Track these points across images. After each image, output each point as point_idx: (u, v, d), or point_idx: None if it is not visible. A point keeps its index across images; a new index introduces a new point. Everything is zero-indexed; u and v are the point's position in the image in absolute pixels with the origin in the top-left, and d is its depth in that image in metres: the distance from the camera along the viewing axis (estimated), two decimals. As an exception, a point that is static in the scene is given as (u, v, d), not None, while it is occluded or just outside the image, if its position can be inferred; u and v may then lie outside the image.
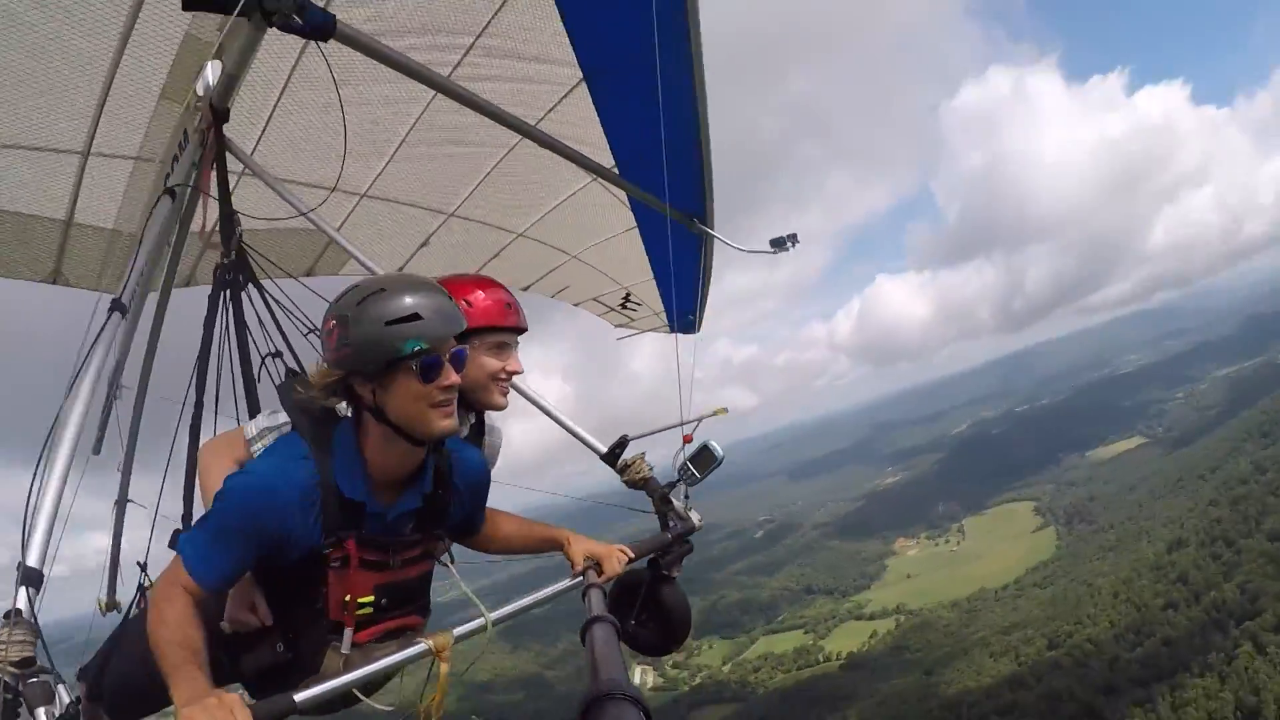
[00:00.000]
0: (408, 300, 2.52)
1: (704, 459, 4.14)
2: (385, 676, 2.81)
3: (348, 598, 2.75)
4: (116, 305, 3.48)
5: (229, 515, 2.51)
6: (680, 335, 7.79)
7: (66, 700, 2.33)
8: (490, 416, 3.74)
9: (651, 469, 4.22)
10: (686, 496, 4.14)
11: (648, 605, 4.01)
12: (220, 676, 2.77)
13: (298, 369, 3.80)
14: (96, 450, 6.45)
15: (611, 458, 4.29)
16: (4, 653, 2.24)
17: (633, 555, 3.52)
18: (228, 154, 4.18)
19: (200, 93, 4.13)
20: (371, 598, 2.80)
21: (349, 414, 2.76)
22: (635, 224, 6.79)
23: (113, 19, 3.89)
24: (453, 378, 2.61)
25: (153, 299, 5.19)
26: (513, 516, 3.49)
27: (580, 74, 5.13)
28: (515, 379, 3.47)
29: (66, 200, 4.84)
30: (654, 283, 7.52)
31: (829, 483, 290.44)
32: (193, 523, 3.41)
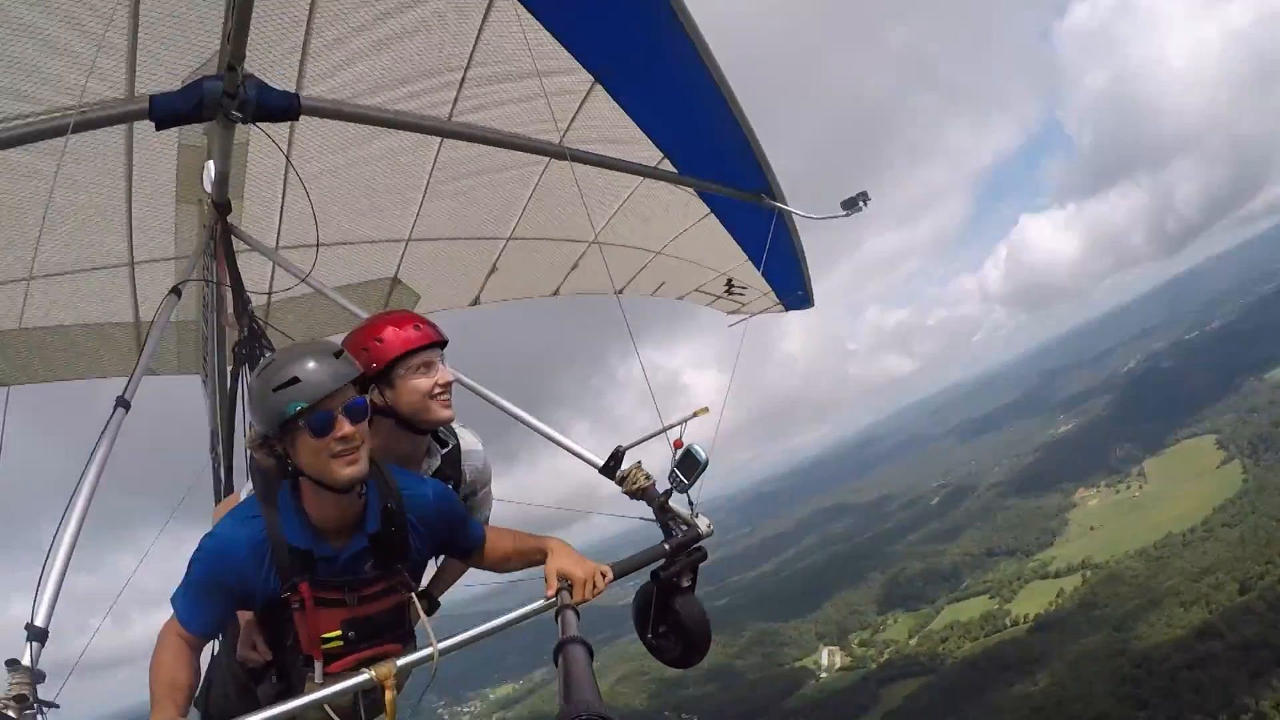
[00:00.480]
0: (288, 367, 2.82)
1: (689, 464, 4.01)
2: (352, 708, 3.12)
3: (312, 634, 3.04)
4: (120, 402, 3.84)
5: (196, 573, 2.94)
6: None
7: None
8: (466, 440, 3.92)
9: (649, 478, 4.14)
10: (692, 503, 4.03)
11: (662, 617, 3.98)
12: (253, 705, 3.16)
13: None
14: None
15: (609, 470, 4.23)
16: (7, 691, 2.70)
17: (611, 576, 3.45)
18: (239, 239, 4.58)
19: (207, 190, 4.49)
20: (338, 632, 3.07)
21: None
22: (709, 210, 6.61)
23: (113, 149, 4.35)
24: (345, 429, 2.84)
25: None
26: (507, 533, 3.61)
27: (590, 77, 5.04)
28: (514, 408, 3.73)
29: (129, 305, 5.46)
30: (750, 264, 7.23)
31: (1001, 439, 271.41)
32: None
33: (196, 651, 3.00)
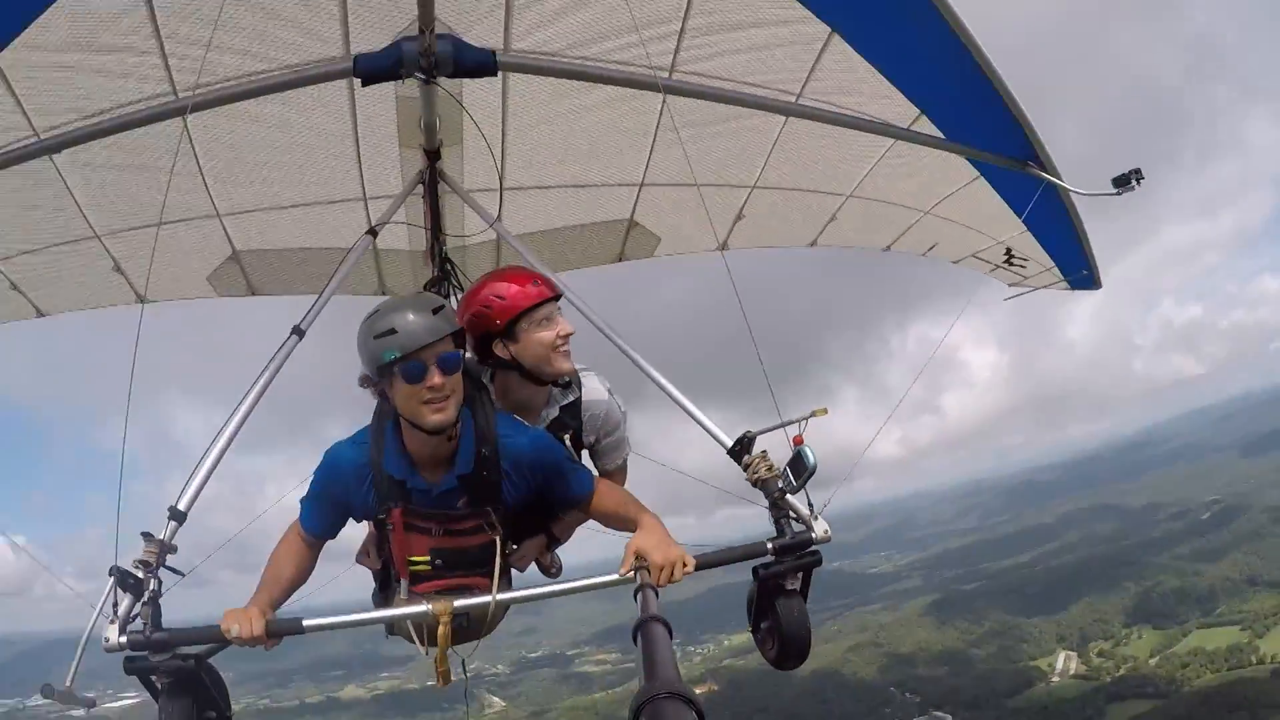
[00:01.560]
0: (389, 317, 3.19)
1: (799, 467, 3.78)
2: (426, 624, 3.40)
3: (401, 555, 3.51)
4: (295, 330, 4.31)
5: (314, 482, 3.54)
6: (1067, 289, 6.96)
7: (152, 587, 3.30)
8: (589, 389, 4.14)
9: (772, 470, 3.90)
10: (811, 505, 3.79)
11: (762, 616, 3.88)
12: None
13: None
14: None
15: (736, 453, 4.05)
16: (142, 556, 3.33)
17: (692, 567, 3.33)
18: (446, 182, 5.01)
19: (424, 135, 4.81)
20: (427, 558, 3.51)
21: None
22: (978, 174, 5.91)
23: (339, 101, 4.77)
24: (436, 379, 3.17)
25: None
26: (618, 492, 3.82)
27: (826, 27, 4.59)
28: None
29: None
30: (1031, 235, 6.45)
31: None
32: None
33: (312, 549, 3.59)
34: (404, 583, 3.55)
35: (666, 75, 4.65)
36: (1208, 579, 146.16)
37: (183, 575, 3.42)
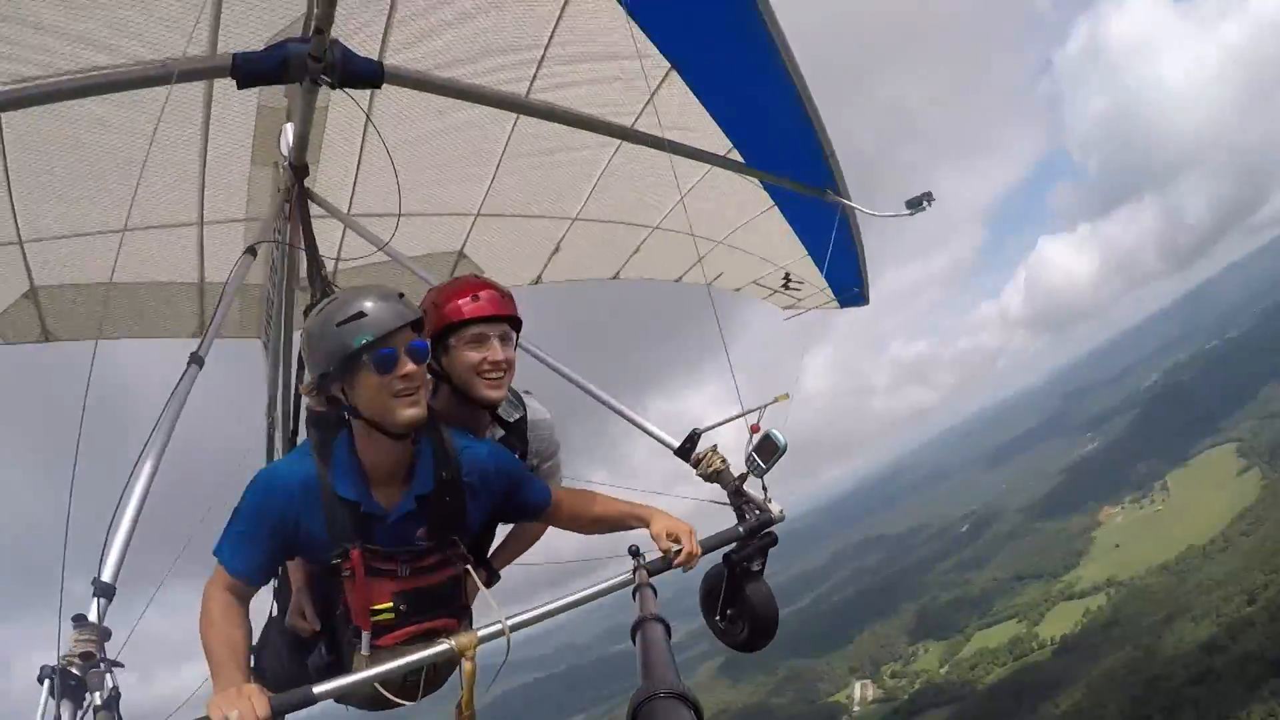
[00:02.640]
0: (354, 302, 2.80)
1: (767, 448, 3.91)
2: (412, 680, 3.01)
3: (361, 605, 2.96)
4: (194, 359, 3.79)
5: (244, 509, 2.88)
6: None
7: (110, 686, 2.60)
8: (535, 411, 3.90)
9: (725, 462, 4.06)
10: (765, 488, 3.93)
11: (731, 601, 3.92)
12: (304, 676, 3.16)
13: None
14: None
15: (684, 452, 4.17)
16: (72, 648, 2.61)
17: (699, 552, 3.41)
18: (315, 203, 4.51)
19: (284, 153, 4.47)
20: (390, 604, 2.99)
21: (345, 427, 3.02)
22: (773, 203, 6.55)
23: (191, 104, 4.35)
24: (408, 367, 2.82)
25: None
26: (587, 500, 3.58)
27: (667, 63, 4.98)
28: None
29: (195, 265, 5.44)
30: (810, 259, 7.22)
31: (1027, 463, 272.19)
32: None
33: (245, 604, 2.92)
34: (366, 637, 3.00)
35: (524, 95, 4.83)
36: (978, 585, 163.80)
37: (122, 666, 2.67)
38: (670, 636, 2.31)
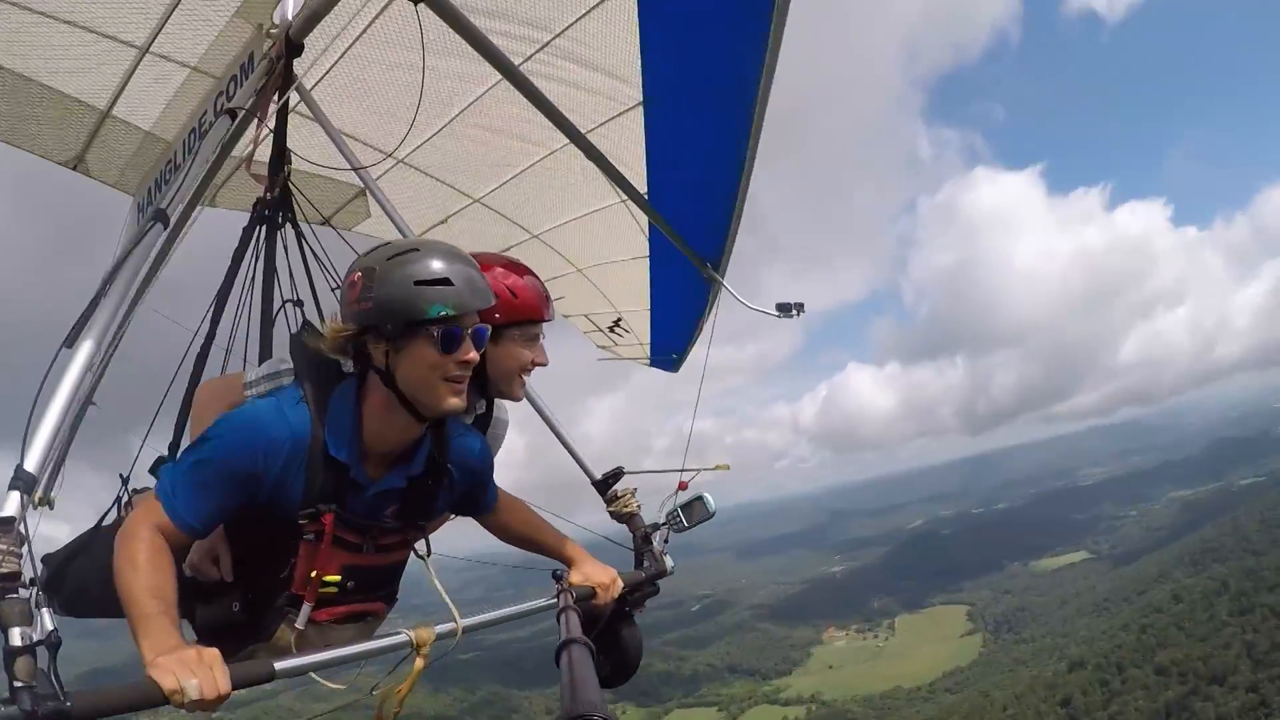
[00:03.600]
0: (441, 264, 2.51)
1: (695, 510, 4.16)
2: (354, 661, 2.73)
3: (314, 573, 2.68)
4: (159, 215, 3.30)
5: (216, 450, 2.47)
6: (647, 366, 8.07)
7: (49, 626, 2.09)
8: (499, 407, 3.75)
9: (639, 506, 4.23)
10: (666, 541, 4.14)
11: (604, 639, 3.94)
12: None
13: (318, 321, 3.74)
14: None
15: (603, 486, 4.27)
16: None
17: (618, 593, 3.50)
18: (293, 91, 4.07)
19: (277, 20, 4.05)
20: (338, 578, 2.75)
21: (353, 375, 2.71)
22: (647, 254, 6.79)
23: None
24: (471, 353, 2.58)
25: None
26: (526, 515, 3.50)
27: (641, 97, 5.13)
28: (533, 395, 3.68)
29: (111, 91, 4.72)
30: (647, 315, 7.55)
31: (775, 565, 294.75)
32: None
33: (175, 553, 2.44)
34: (306, 608, 2.71)
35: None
36: (691, 664, 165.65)
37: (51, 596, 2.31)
38: (595, 658, 2.33)
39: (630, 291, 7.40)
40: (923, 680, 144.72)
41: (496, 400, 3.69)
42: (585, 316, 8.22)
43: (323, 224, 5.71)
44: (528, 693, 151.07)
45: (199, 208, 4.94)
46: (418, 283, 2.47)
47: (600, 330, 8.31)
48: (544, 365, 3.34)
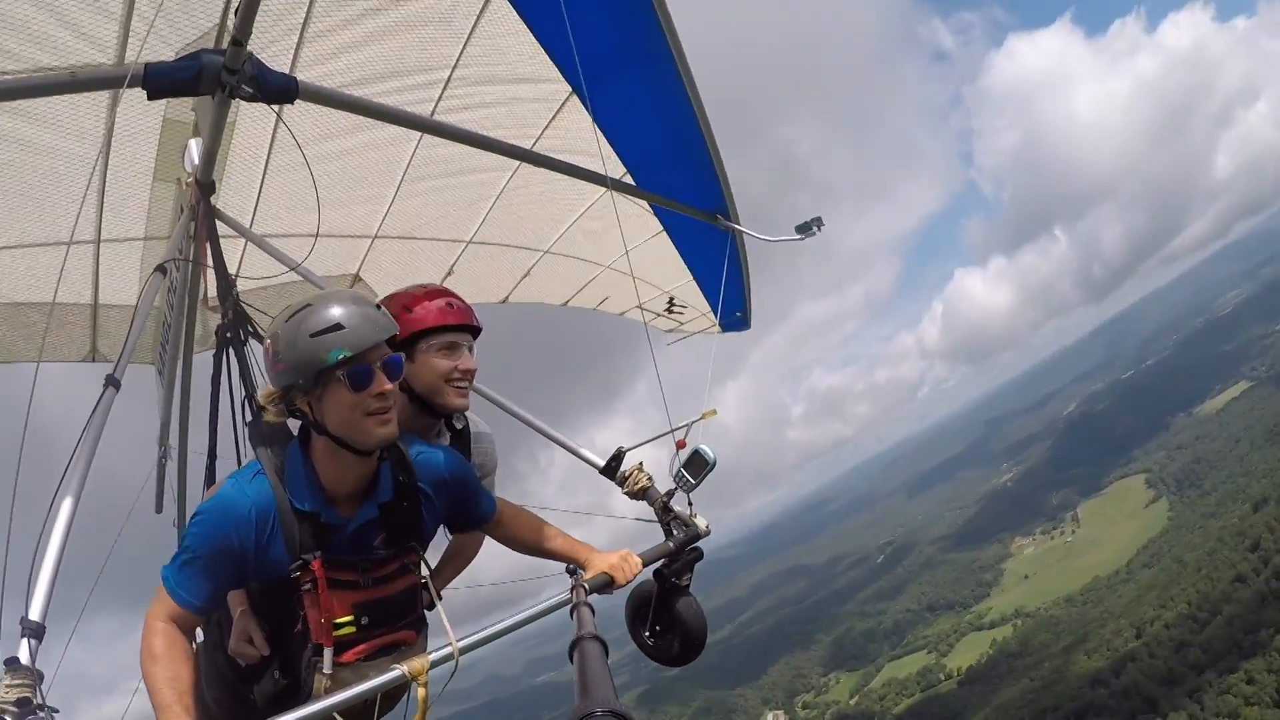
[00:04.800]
0: (331, 311, 2.62)
1: (696, 464, 4.07)
2: (366, 702, 2.81)
3: (324, 619, 2.80)
4: (110, 381, 3.62)
5: (196, 537, 2.66)
6: (719, 334, 7.87)
7: None
8: (477, 424, 3.82)
9: (650, 479, 4.18)
10: (690, 503, 4.06)
11: (662, 616, 3.99)
12: (251, 706, 3.02)
13: None
14: (158, 509, 6.66)
15: (609, 470, 4.26)
16: (5, 694, 2.38)
17: (637, 570, 3.49)
18: (220, 222, 4.35)
19: (188, 169, 4.36)
20: (351, 617, 2.84)
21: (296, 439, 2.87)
22: (662, 228, 6.73)
23: (94, 117, 4.16)
24: (385, 385, 2.68)
25: (184, 364, 5.42)
26: (532, 521, 3.52)
27: (568, 87, 5.13)
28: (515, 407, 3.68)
29: (89, 286, 5.20)
30: (695, 284, 7.43)
31: (946, 492, 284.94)
32: None
33: (190, 636, 2.72)
34: (328, 654, 2.81)
35: (429, 115, 4.90)
36: (891, 615, 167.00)
37: (57, 711, 2.47)
38: (608, 655, 2.29)
39: (667, 269, 7.30)
40: (1119, 563, 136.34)
41: (470, 417, 3.76)
42: (639, 309, 8.07)
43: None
44: (740, 690, 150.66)
45: (191, 354, 5.41)
46: (313, 335, 2.60)
47: (660, 315, 8.25)
48: (471, 370, 3.36)
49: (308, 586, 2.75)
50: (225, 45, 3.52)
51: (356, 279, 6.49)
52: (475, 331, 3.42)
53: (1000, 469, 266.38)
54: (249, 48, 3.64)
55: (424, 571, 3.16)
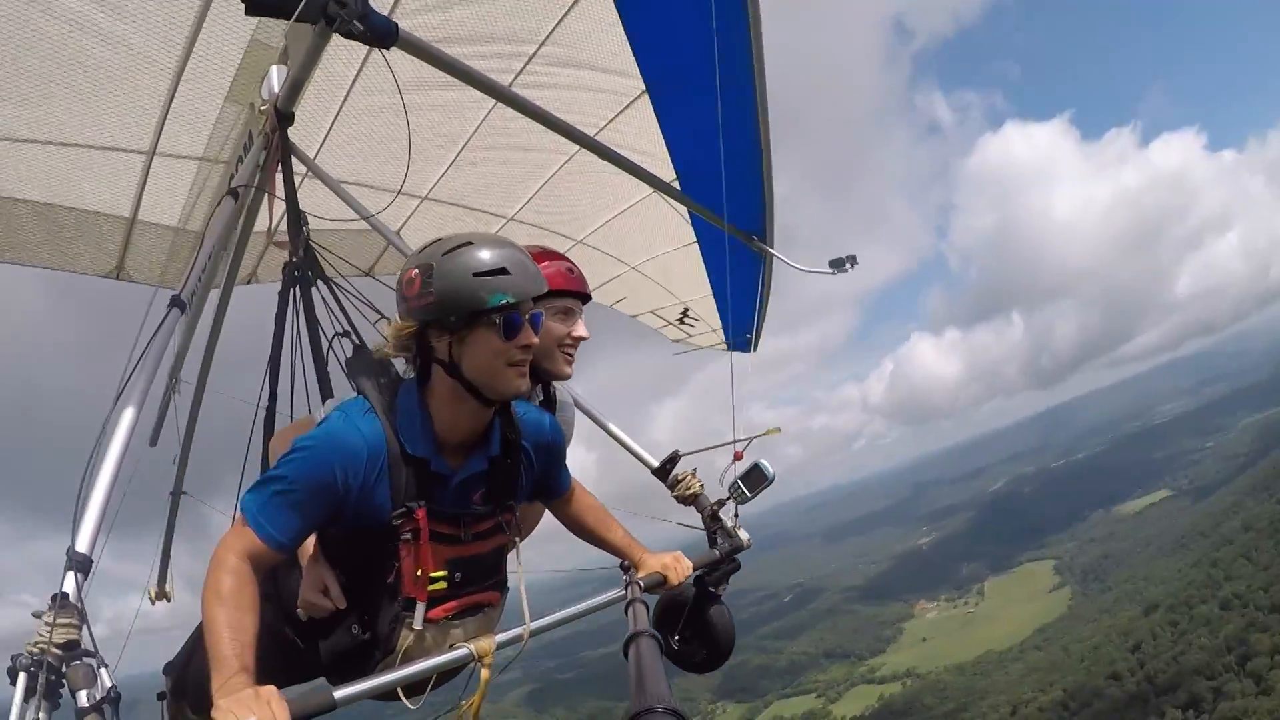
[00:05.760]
0: (496, 254, 2.52)
1: (754, 477, 4.10)
2: (427, 678, 2.70)
3: (419, 572, 2.67)
4: (176, 302, 3.50)
5: (298, 468, 2.46)
6: (728, 352, 7.75)
7: (109, 684, 2.29)
8: (561, 393, 3.73)
9: (702, 485, 4.19)
10: (736, 515, 4.10)
11: (692, 623, 3.97)
12: (301, 665, 2.90)
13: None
14: (153, 442, 6.48)
15: (662, 472, 4.26)
16: (49, 635, 2.23)
17: (690, 572, 3.46)
18: (292, 157, 4.21)
19: (265, 96, 4.21)
20: (444, 572, 2.73)
21: (411, 377, 2.74)
22: (695, 239, 6.73)
23: (180, 23, 3.99)
24: (532, 337, 2.60)
25: (214, 296, 5.19)
26: (598, 508, 3.45)
27: (643, 85, 5.14)
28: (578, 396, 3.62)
29: (131, 198, 4.95)
30: (712, 299, 7.46)
31: (862, 544, 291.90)
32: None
33: (261, 577, 2.46)
34: (420, 609, 2.71)
35: (508, 86, 4.80)
36: (787, 655, 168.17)
37: (105, 663, 2.31)
38: (663, 651, 2.27)
39: (689, 280, 7.33)
40: (1013, 641, 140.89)
41: (556, 386, 3.68)
42: (653, 313, 8.19)
43: (365, 275, 5.73)
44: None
45: (232, 286, 5.12)
46: (476, 274, 2.48)
47: (671, 324, 8.26)
48: (585, 338, 3.34)
49: (407, 536, 2.63)
50: None
51: (397, 236, 6.46)
52: (588, 299, 3.38)
53: (919, 531, 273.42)
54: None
55: (518, 534, 3.01)
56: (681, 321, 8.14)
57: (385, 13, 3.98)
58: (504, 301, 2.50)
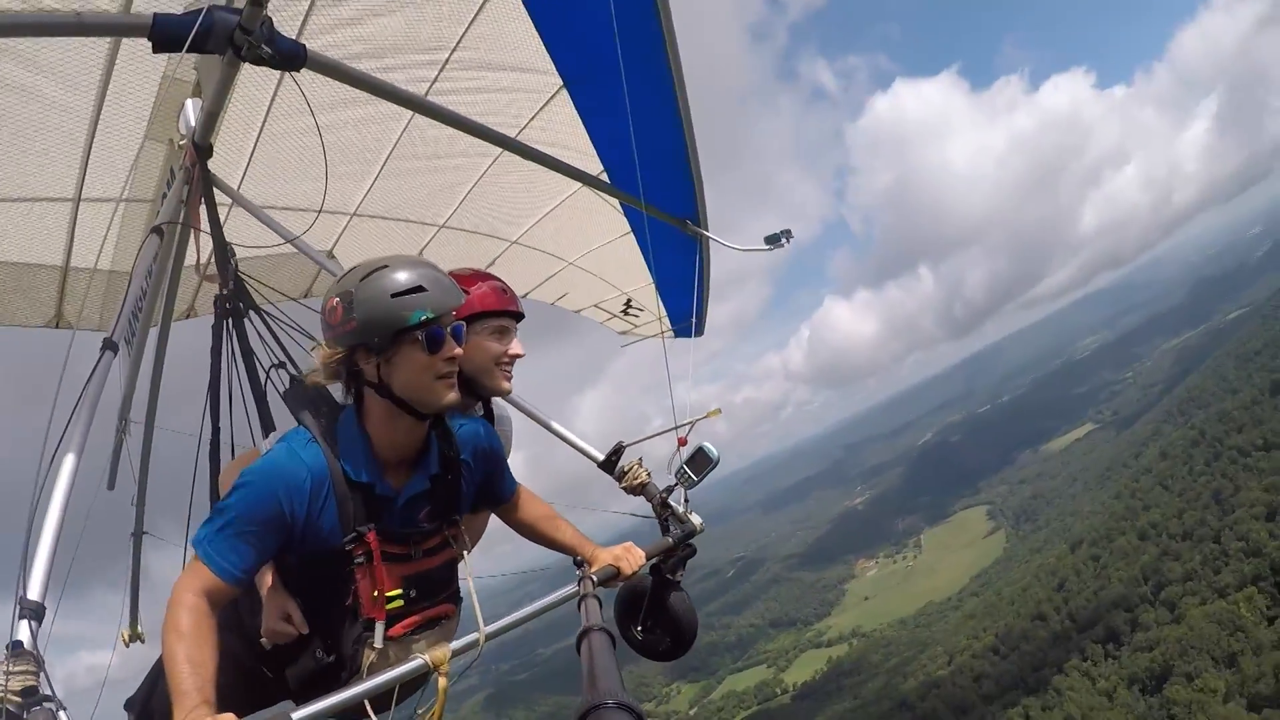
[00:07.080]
0: (413, 274, 2.64)
1: (700, 461, 4.16)
2: (389, 691, 2.75)
3: (376, 593, 2.76)
4: (108, 344, 3.49)
5: (242, 500, 2.54)
6: (671, 339, 7.83)
7: None
8: (498, 405, 3.81)
9: (649, 474, 4.24)
10: (686, 500, 4.14)
11: (653, 612, 4.04)
12: (270, 695, 2.92)
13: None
14: (110, 486, 6.39)
15: (608, 465, 4.30)
16: (5, 683, 2.23)
17: (642, 562, 3.53)
18: (215, 189, 4.21)
19: (183, 131, 4.20)
20: (400, 590, 2.83)
21: (349, 404, 2.82)
22: (630, 229, 6.78)
23: (91, 66, 3.98)
24: (455, 349, 2.72)
25: (154, 335, 5.18)
26: (545, 509, 3.53)
27: (559, 80, 5.18)
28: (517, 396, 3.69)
29: (62, 247, 4.94)
30: (654, 288, 7.51)
31: (800, 511, 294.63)
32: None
33: (218, 612, 2.53)
34: (379, 628, 2.77)
35: (423, 95, 4.85)
36: (736, 629, 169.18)
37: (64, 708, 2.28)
38: (615, 646, 2.29)
39: (629, 270, 7.39)
40: (952, 590, 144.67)
41: (494, 403, 3.76)
42: (596, 307, 8.24)
43: (305, 299, 5.66)
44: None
45: (169, 324, 5.15)
46: (394, 295, 2.59)
47: (615, 316, 8.31)
48: (520, 355, 3.41)
49: (360, 559, 2.71)
50: (238, 3, 3.36)
51: (329, 256, 6.36)
52: (521, 317, 3.45)
53: (854, 491, 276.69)
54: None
55: (466, 546, 3.10)
56: (625, 312, 8.21)
57: (293, 35, 4.10)
58: (424, 318, 2.60)
